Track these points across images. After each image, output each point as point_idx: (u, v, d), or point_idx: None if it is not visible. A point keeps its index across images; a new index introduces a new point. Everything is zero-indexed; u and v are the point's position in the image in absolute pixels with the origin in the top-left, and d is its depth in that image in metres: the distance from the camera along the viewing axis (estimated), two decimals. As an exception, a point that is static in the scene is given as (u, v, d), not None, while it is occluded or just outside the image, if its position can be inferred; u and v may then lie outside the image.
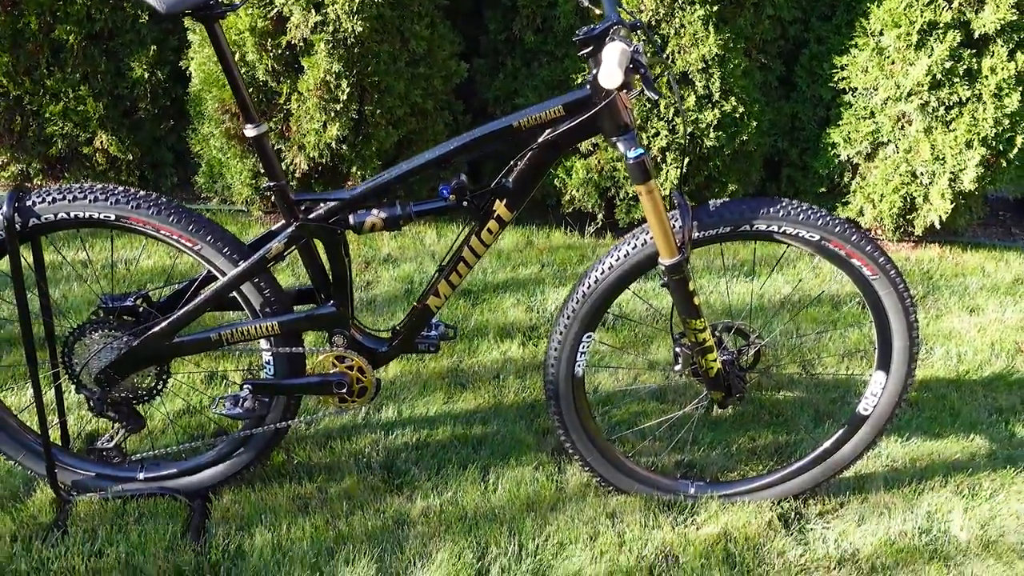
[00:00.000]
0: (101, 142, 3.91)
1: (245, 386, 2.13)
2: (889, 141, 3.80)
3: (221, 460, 2.29)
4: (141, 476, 2.29)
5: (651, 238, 2.05)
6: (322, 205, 2.01)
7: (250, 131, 1.93)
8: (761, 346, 2.28)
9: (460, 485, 2.40)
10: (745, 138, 3.70)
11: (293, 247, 2.02)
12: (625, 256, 2.09)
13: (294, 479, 2.39)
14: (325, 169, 3.70)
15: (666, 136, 3.65)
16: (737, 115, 3.66)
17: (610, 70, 1.73)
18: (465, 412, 2.73)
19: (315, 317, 2.11)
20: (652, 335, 3.19)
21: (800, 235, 2.07)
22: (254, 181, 3.72)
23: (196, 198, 4.13)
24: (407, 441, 2.57)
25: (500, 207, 2.02)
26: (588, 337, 2.19)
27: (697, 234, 2.05)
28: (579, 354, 2.21)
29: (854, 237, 2.08)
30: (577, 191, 3.86)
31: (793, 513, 2.40)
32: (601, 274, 2.12)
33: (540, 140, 1.96)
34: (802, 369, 3.07)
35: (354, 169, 3.64)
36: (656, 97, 1.73)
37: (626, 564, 2.19)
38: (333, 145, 3.55)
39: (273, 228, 2.07)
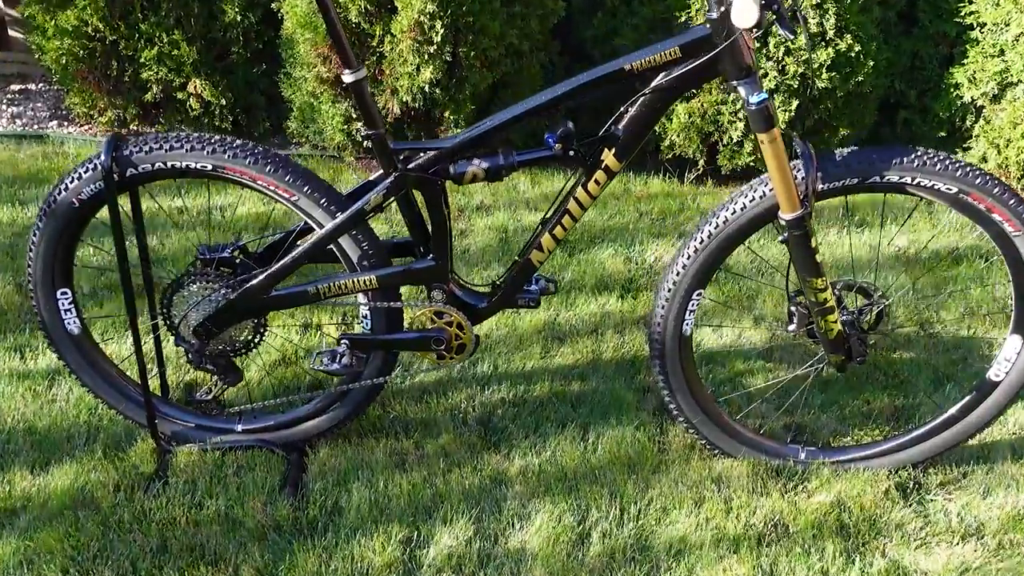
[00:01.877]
0: (195, 87, 3.89)
1: (343, 341, 2.08)
2: (1019, 81, 3.51)
3: (318, 414, 2.26)
4: (239, 428, 2.28)
5: (771, 190, 1.91)
6: (422, 155, 1.93)
7: (348, 77, 1.84)
8: (885, 307, 2.13)
9: (559, 444, 2.33)
10: (860, 79, 3.47)
11: (392, 199, 1.95)
12: (742, 209, 1.96)
13: (390, 434, 2.35)
14: (418, 113, 3.61)
15: (775, 77, 3.45)
16: (852, 54, 3.42)
17: (745, 6, 1.58)
18: (563, 367, 2.64)
19: (414, 271, 2.04)
20: (757, 288, 3.04)
21: (936, 187, 1.90)
22: (346, 127, 3.66)
23: (288, 143, 4.10)
24: (503, 397, 2.51)
25: (609, 157, 1.90)
26: (698, 295, 2.07)
27: (821, 186, 1.90)
28: (688, 312, 2.09)
29: (996, 190, 1.91)
30: (678, 136, 3.69)
31: (911, 483, 2.25)
32: (715, 228, 1.98)
33: (653, 84, 1.83)
34: (920, 328, 2.89)
35: (447, 113, 3.55)
36: (791, 36, 1.57)
37: (733, 531, 2.09)
38: (426, 89, 3.46)
39: (372, 178, 2.00)
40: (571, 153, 1.89)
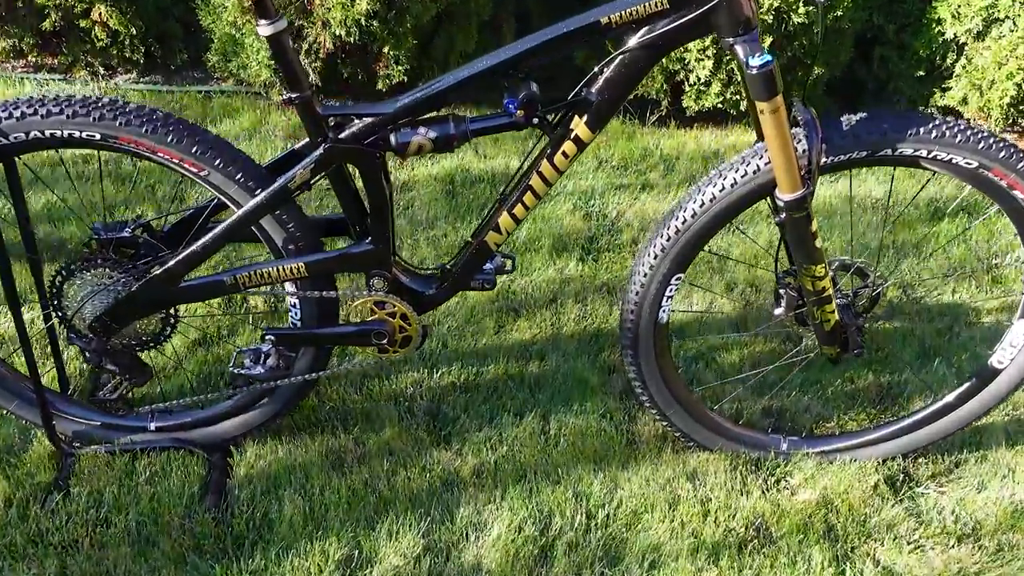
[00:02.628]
0: (100, 14, 3.45)
1: (267, 337, 1.79)
2: (1007, 18, 3.27)
3: (243, 410, 1.98)
4: (152, 427, 2.00)
5: (767, 164, 1.64)
6: (356, 121, 1.61)
7: (264, 29, 1.50)
8: (882, 289, 1.90)
9: (516, 437, 2.09)
10: (840, 13, 3.18)
11: (322, 173, 1.64)
12: (732, 186, 1.69)
13: (327, 428, 2.08)
14: (353, 48, 3.25)
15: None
16: (832, -14, 3.14)
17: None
18: (519, 344, 2.38)
19: (350, 256, 1.74)
20: (727, 249, 2.80)
21: (954, 161, 1.65)
22: (273, 62, 3.28)
23: (209, 78, 3.69)
24: (454, 381, 2.24)
25: (579, 125, 1.61)
26: (678, 279, 1.82)
27: (825, 159, 1.64)
28: (665, 298, 1.83)
29: (1021, 164, 1.66)
30: (640, 74, 3.38)
31: (901, 474, 2.06)
32: (700, 207, 1.72)
33: (634, 41, 1.53)
34: (902, 292, 2.69)
35: (386, 49, 3.20)
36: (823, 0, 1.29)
37: (712, 539, 1.88)
38: (363, 21, 3.09)
39: (297, 147, 1.68)
40: (535, 121, 1.59)
